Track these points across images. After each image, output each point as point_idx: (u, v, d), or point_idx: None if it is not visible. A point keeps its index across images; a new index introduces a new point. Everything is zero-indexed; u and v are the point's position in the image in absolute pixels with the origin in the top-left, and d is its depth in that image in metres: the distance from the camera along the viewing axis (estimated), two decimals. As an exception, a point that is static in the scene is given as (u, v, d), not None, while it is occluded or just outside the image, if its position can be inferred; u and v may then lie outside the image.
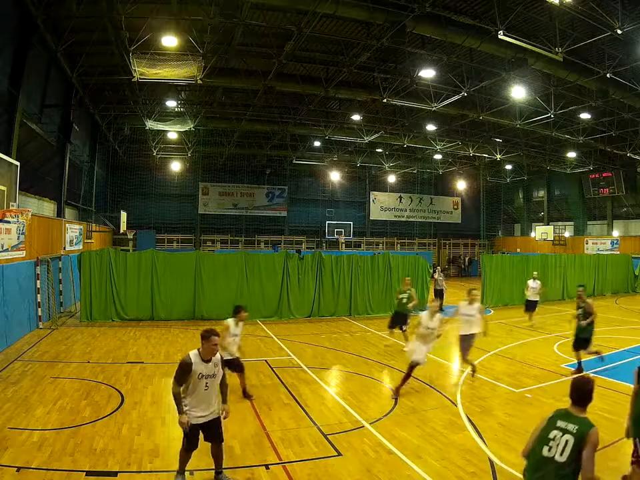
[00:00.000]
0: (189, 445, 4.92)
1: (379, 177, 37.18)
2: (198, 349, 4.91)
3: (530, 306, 15.36)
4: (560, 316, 17.05)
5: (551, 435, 3.53)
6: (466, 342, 8.97)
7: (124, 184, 30.37)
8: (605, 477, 5.20)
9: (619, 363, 10.23)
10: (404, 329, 11.95)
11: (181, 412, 4.81)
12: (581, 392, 3.66)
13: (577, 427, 3.46)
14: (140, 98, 19.59)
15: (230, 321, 7.54)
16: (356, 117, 21.95)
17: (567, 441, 3.44)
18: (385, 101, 18.11)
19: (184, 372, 4.80)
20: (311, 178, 36.24)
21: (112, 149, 27.95)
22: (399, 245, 36.90)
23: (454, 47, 14.45)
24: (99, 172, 27.05)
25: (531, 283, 15.47)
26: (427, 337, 8.09)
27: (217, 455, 5.13)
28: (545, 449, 3.51)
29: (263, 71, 16.68)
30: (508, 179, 36.78)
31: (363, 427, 6.70)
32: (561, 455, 3.42)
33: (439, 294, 17.71)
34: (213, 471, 5.22)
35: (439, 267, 19.90)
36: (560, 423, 3.55)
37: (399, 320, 12.14)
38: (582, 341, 9.49)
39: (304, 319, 15.81)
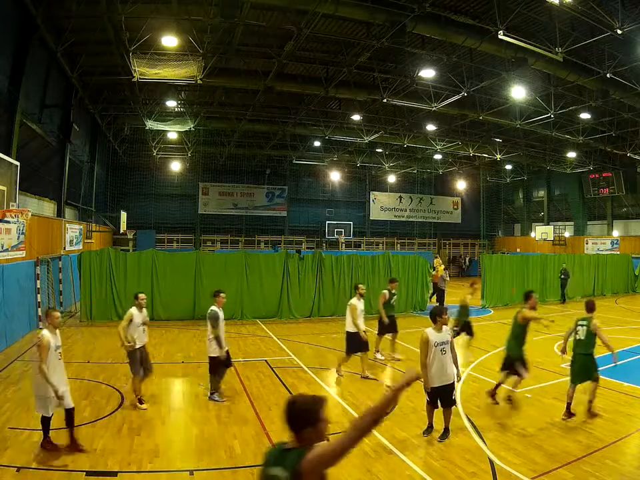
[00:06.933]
0: None
1: (379, 176, 37.16)
2: None
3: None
4: (563, 316, 17.02)
5: None
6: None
7: (124, 184, 30.29)
8: (605, 477, 5.23)
9: (619, 362, 10.21)
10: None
11: None
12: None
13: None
14: (140, 98, 19.58)
15: None
16: (356, 117, 21.94)
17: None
18: (385, 100, 18.08)
19: None
20: (311, 178, 36.21)
21: (112, 149, 27.93)
22: (399, 244, 36.89)
23: (454, 47, 14.44)
24: (99, 172, 27.02)
25: None
26: None
27: None
28: None
29: (263, 71, 16.66)
30: (508, 179, 36.76)
31: (363, 426, 6.68)
32: None
33: (440, 292, 17.72)
34: (213, 471, 5.25)
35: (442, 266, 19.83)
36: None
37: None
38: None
39: (304, 319, 15.80)
